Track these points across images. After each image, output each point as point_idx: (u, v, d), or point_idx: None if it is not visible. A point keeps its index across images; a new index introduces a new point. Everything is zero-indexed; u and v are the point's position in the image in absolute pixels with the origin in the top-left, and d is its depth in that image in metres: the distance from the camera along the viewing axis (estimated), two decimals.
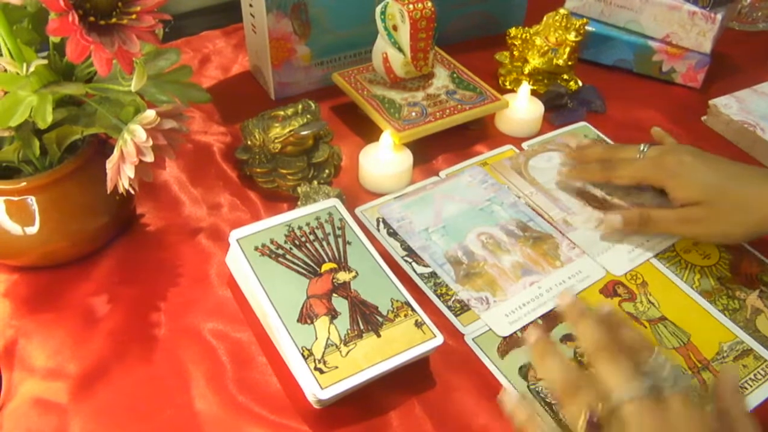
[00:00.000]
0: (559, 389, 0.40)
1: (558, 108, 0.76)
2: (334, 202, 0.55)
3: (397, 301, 0.49)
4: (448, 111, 0.67)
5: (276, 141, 0.60)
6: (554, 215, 0.62)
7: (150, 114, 0.45)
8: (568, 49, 0.74)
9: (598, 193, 0.65)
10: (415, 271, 0.56)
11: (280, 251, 0.51)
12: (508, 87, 0.79)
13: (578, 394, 0.39)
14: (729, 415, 0.39)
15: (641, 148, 0.60)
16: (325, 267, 0.50)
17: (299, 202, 0.59)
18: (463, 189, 0.64)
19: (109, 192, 0.47)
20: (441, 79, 0.71)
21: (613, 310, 0.44)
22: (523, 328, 0.52)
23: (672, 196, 0.57)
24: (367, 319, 0.48)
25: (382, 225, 0.60)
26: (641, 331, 0.45)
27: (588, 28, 0.78)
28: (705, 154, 0.58)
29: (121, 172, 0.46)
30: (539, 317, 0.53)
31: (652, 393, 0.38)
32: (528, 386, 0.49)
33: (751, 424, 0.38)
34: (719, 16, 0.75)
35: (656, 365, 0.39)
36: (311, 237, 0.52)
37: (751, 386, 0.50)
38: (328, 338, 0.46)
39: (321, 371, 0.44)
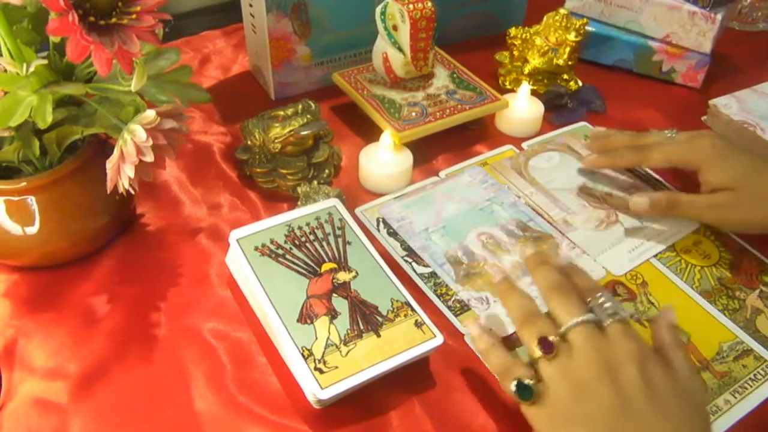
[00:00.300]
0: (518, 319, 0.46)
1: (558, 108, 0.76)
2: (334, 202, 0.55)
3: (397, 301, 0.49)
4: (448, 111, 0.67)
5: (276, 141, 0.60)
6: (554, 215, 0.62)
7: (150, 114, 0.45)
8: (568, 49, 0.74)
9: (599, 192, 0.65)
10: (415, 271, 0.56)
11: (280, 251, 0.51)
12: (508, 87, 0.79)
13: (533, 323, 0.44)
14: (665, 346, 0.44)
15: (668, 134, 0.60)
16: (325, 267, 0.50)
17: (299, 202, 0.59)
18: (463, 189, 0.64)
19: (109, 192, 0.47)
20: (441, 79, 0.71)
21: (571, 263, 0.51)
22: None
23: (704, 180, 0.57)
24: (367, 319, 0.48)
25: (382, 225, 0.60)
26: (590, 276, 0.49)
27: (588, 28, 0.78)
28: (735, 142, 0.58)
29: (121, 172, 0.46)
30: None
31: (596, 323, 0.43)
32: None
33: (682, 353, 0.44)
34: (719, 16, 0.75)
35: (600, 302, 0.44)
36: (311, 237, 0.52)
37: (751, 386, 0.50)
38: (328, 338, 0.46)
39: (321, 371, 0.44)
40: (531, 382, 0.42)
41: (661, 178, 0.67)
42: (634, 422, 0.39)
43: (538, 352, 0.42)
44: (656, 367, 0.41)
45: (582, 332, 0.42)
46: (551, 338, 0.42)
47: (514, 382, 0.42)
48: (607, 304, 0.44)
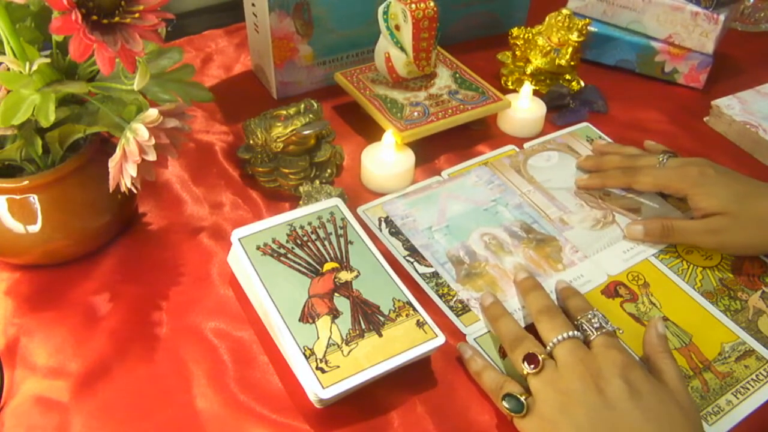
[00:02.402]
0: (506, 342, 0.48)
1: (560, 108, 0.76)
2: (336, 201, 0.55)
3: (398, 300, 0.49)
4: (450, 111, 0.67)
5: (278, 140, 0.60)
6: (551, 213, 0.62)
7: (153, 113, 0.45)
8: (570, 50, 0.74)
9: (596, 193, 0.65)
10: (416, 271, 0.56)
11: (281, 250, 0.51)
12: (511, 87, 0.79)
13: (522, 344, 0.47)
14: (655, 354, 0.47)
15: (660, 159, 0.62)
16: (327, 266, 0.50)
17: (301, 202, 0.59)
18: (468, 189, 0.64)
19: (111, 191, 0.47)
20: (443, 79, 0.71)
21: (566, 286, 0.54)
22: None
23: (695, 206, 0.58)
24: (368, 318, 0.48)
25: (384, 224, 0.60)
26: (585, 298, 0.52)
27: (590, 28, 0.78)
28: (725, 168, 0.60)
29: (124, 170, 0.46)
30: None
31: (581, 339, 0.46)
32: None
33: (671, 361, 0.46)
34: (722, 17, 0.75)
35: (587, 318, 0.47)
36: (313, 236, 0.52)
37: (753, 387, 0.50)
38: (330, 338, 0.46)
39: (322, 371, 0.44)
40: (521, 396, 0.44)
41: None
42: (620, 426, 0.41)
43: (525, 368, 0.45)
44: (640, 375, 0.43)
45: (566, 347, 0.45)
46: (538, 356, 0.45)
47: (504, 397, 0.45)
48: (594, 320, 0.47)
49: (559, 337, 0.45)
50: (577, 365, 0.44)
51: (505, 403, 0.45)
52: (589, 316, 0.47)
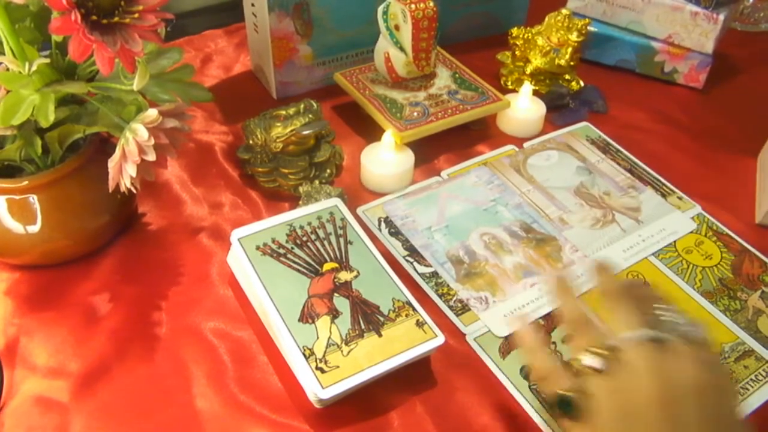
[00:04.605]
0: (570, 323, 0.42)
1: (560, 108, 0.76)
2: (335, 201, 0.55)
3: (398, 300, 0.49)
4: (449, 111, 0.67)
5: (278, 140, 0.60)
6: (550, 213, 0.62)
7: (152, 113, 0.45)
8: (570, 50, 0.74)
9: (596, 192, 0.65)
10: (416, 271, 0.56)
11: (281, 250, 0.51)
12: (510, 87, 0.79)
13: (587, 331, 0.40)
14: None
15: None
16: (327, 266, 0.50)
17: (301, 202, 0.59)
18: (468, 189, 0.64)
19: (110, 191, 0.47)
20: (443, 79, 0.71)
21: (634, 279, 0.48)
22: None
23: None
24: (368, 318, 0.48)
25: (383, 225, 0.60)
26: (656, 290, 0.45)
27: (590, 28, 0.78)
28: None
29: (123, 170, 0.46)
30: (539, 318, 0.53)
31: (658, 339, 0.38)
32: (529, 386, 0.49)
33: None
34: (721, 17, 0.75)
35: (669, 316, 0.40)
36: (312, 236, 0.52)
37: (752, 387, 0.50)
38: (330, 338, 0.46)
39: (322, 371, 0.44)
40: (573, 395, 0.38)
41: (660, 177, 0.67)
42: None
43: (588, 361, 0.38)
44: (712, 397, 0.37)
45: (641, 350, 0.37)
46: (602, 351, 0.38)
47: (558, 396, 0.39)
48: (680, 320, 0.39)
49: (635, 335, 0.38)
50: (652, 377, 0.36)
51: (557, 407, 0.39)
52: (669, 313, 0.40)
